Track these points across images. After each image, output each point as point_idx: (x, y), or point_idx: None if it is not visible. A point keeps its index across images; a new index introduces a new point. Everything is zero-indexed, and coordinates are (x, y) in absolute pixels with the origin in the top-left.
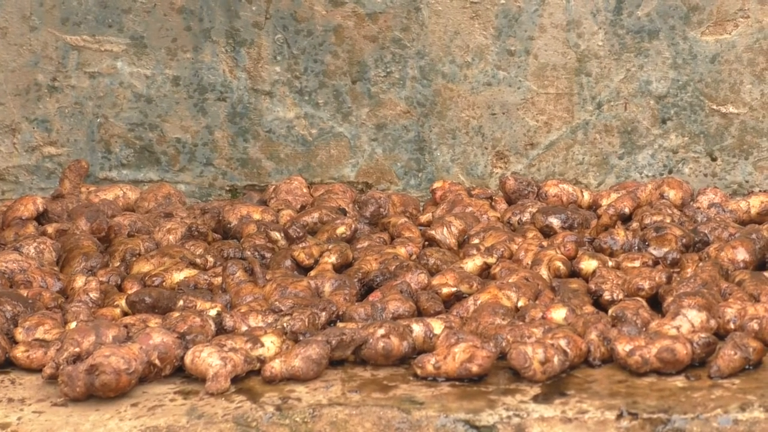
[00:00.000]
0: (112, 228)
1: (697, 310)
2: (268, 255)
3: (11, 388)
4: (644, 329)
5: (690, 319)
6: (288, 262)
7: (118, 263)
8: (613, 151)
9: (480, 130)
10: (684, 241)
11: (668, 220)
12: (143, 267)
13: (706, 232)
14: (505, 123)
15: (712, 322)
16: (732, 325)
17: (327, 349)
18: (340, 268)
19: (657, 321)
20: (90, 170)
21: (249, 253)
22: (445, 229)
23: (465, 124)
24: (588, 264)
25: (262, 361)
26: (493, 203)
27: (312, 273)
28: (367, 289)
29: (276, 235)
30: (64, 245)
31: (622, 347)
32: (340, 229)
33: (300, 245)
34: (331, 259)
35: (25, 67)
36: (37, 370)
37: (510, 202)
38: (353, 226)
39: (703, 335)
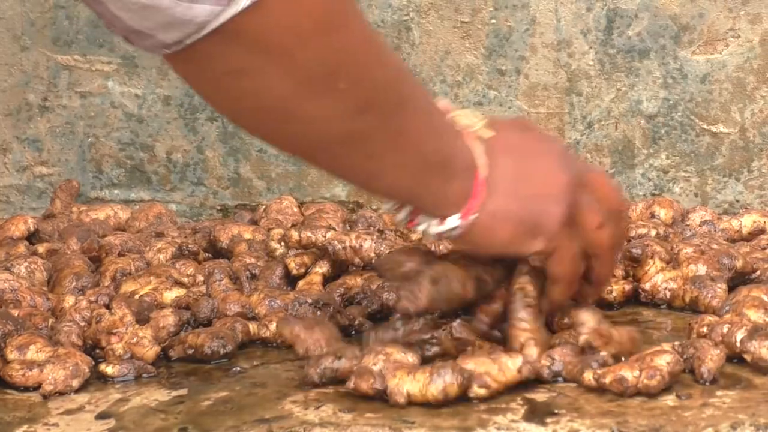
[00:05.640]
0: (103, 248)
1: None
2: (257, 273)
3: (5, 408)
4: None
5: None
6: (279, 270)
7: (108, 282)
8: (604, 171)
9: None
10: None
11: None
12: (131, 287)
13: None
14: None
15: None
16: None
17: None
18: (330, 279)
19: None
20: (81, 190)
21: (237, 265)
22: (434, 247)
23: None
24: None
25: None
26: None
27: (301, 283)
28: (348, 303)
29: (273, 244)
30: (55, 265)
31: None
32: None
33: (292, 254)
34: (323, 269)
35: (16, 87)
36: (33, 388)
37: None
38: None
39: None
